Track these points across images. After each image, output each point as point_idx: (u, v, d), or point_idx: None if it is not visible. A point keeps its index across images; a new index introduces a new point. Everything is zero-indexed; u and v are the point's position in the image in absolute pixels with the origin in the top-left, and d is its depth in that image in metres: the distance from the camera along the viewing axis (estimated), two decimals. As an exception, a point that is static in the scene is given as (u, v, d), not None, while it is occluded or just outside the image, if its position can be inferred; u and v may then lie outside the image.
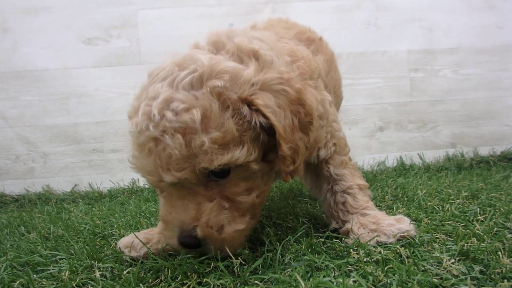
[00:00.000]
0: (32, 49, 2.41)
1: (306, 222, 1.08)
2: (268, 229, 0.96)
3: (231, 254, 0.77)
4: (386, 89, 2.51)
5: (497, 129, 2.52)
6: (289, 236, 0.91)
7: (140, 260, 0.86)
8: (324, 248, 0.86)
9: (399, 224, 0.89)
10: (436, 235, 0.87)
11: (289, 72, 0.83)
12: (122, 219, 1.46)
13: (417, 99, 2.51)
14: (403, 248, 0.79)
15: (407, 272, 0.66)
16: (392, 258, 0.74)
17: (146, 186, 2.36)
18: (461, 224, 0.93)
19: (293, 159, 0.78)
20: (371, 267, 0.71)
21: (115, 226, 1.32)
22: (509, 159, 2.31)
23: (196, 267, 0.76)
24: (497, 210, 1.06)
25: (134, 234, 0.95)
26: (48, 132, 2.41)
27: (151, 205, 1.83)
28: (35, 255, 1.00)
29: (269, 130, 0.77)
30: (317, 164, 1.03)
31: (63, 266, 0.89)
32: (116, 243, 1.00)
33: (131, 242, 0.92)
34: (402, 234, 0.86)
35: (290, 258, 0.79)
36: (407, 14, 2.53)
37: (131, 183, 2.41)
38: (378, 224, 0.91)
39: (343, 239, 0.92)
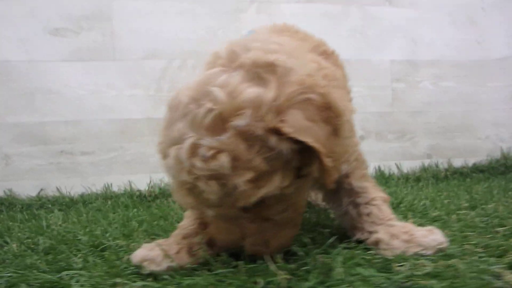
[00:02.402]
0: (-9, 38, 2.16)
1: (326, 232, 1.04)
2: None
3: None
4: (368, 98, 2.53)
5: (470, 141, 2.64)
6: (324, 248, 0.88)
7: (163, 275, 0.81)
8: (363, 261, 0.81)
9: (433, 235, 0.87)
10: (465, 247, 0.86)
11: (312, 76, 0.78)
12: (115, 229, 1.34)
13: (398, 110, 2.56)
14: (446, 259, 0.77)
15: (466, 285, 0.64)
16: (443, 270, 0.71)
17: (122, 191, 2.21)
18: (487, 236, 0.93)
19: (335, 167, 0.77)
20: (428, 281, 0.67)
21: (108, 235, 1.22)
22: (480, 170, 2.42)
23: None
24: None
25: (158, 243, 0.90)
26: (10, 131, 2.19)
27: (135, 212, 1.73)
28: (36, 271, 0.87)
29: (301, 150, 0.74)
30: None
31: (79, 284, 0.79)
32: (124, 256, 0.93)
33: (147, 255, 0.87)
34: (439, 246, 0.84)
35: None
36: (393, 25, 2.56)
37: (104, 188, 2.24)
38: (411, 235, 0.89)
39: (375, 250, 0.90)
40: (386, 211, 0.99)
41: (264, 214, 0.80)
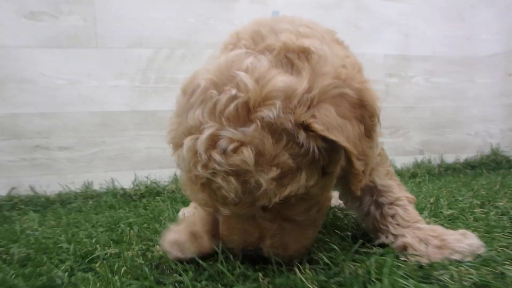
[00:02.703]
0: (-44, 20, 1.94)
1: (346, 235, 0.97)
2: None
3: None
4: (362, 92, 2.48)
5: (461, 137, 2.65)
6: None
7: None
8: (398, 269, 0.74)
9: (468, 240, 0.81)
10: (499, 250, 0.81)
11: (346, 67, 0.71)
12: (101, 233, 1.21)
13: (391, 105, 2.52)
14: (486, 265, 0.71)
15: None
16: (491, 280, 0.65)
17: (103, 190, 2.05)
18: None
19: (364, 171, 0.70)
20: None
21: (94, 241, 1.08)
22: (472, 166, 2.42)
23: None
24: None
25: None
26: (-22, 124, 1.97)
27: (121, 212, 1.59)
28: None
29: (330, 149, 0.67)
30: None
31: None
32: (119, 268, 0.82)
33: (175, 239, 0.86)
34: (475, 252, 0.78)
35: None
36: (386, 18, 2.52)
37: (84, 187, 2.07)
38: (443, 239, 0.82)
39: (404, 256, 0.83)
40: (412, 212, 0.92)
41: (286, 213, 0.74)
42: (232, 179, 0.61)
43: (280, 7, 2.31)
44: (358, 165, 0.67)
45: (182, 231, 0.88)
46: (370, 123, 0.70)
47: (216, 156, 0.60)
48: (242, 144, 0.60)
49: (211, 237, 0.86)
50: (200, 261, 0.78)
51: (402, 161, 2.48)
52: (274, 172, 0.62)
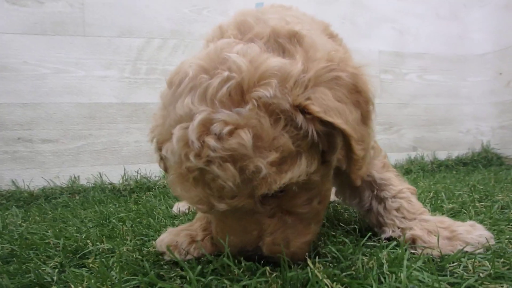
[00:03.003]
0: None
1: (352, 231, 0.93)
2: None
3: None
4: (356, 88, 2.47)
5: (453, 134, 2.67)
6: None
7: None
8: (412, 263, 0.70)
9: (477, 231, 0.79)
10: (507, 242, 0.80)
11: (338, 50, 0.70)
12: (91, 229, 1.14)
13: (385, 101, 2.52)
14: (499, 257, 0.70)
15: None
16: (506, 272, 0.64)
17: (91, 185, 1.97)
18: None
19: (363, 158, 0.67)
20: (497, 284, 0.60)
21: (84, 237, 1.02)
22: (464, 163, 2.44)
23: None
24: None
25: (183, 228, 0.85)
26: (-45, 114, 1.87)
27: (111, 207, 1.52)
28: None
29: (328, 133, 0.65)
30: None
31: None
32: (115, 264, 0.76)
33: (173, 241, 0.81)
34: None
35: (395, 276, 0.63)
36: (381, 14, 2.52)
37: (70, 181, 1.99)
38: (452, 231, 0.80)
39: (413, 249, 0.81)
40: (416, 204, 0.89)
41: (287, 206, 0.69)
42: (229, 165, 0.57)
43: (276, 1, 2.27)
44: (358, 149, 0.64)
45: (179, 233, 0.84)
46: (366, 109, 0.68)
47: (211, 141, 0.56)
48: (238, 126, 0.56)
49: (212, 240, 0.82)
50: (207, 254, 0.73)
51: (396, 157, 2.48)
52: (274, 156, 0.58)
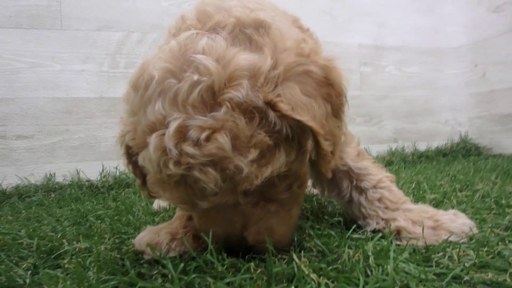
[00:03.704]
0: None
1: (337, 223, 0.93)
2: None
3: None
4: (337, 81, 2.48)
5: (432, 125, 2.72)
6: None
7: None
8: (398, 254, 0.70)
9: (461, 220, 0.81)
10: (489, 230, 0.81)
11: (307, 42, 0.69)
12: (67, 227, 1.10)
13: (366, 93, 2.54)
14: (482, 246, 0.71)
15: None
16: (490, 260, 0.65)
17: (67, 182, 1.91)
18: (506, 218, 0.88)
19: (333, 152, 0.67)
20: (482, 273, 0.60)
21: (59, 236, 0.98)
22: (444, 154, 2.49)
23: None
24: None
25: (162, 226, 0.83)
26: None
27: (89, 205, 1.48)
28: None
29: (299, 126, 0.64)
30: None
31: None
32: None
33: (153, 239, 0.79)
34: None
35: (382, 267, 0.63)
36: (360, 8, 2.54)
37: (46, 179, 1.92)
38: (436, 220, 0.81)
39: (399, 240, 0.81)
40: (397, 192, 0.90)
41: (268, 194, 0.69)
42: (209, 169, 0.57)
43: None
44: (325, 145, 0.64)
45: (158, 232, 0.82)
46: (337, 102, 0.68)
47: (189, 149, 0.56)
48: (214, 130, 0.56)
49: (193, 238, 0.81)
50: (191, 250, 0.72)
51: (377, 149, 2.51)
52: (253, 154, 0.58)
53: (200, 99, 0.57)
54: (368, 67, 2.55)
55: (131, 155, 0.70)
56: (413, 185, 1.38)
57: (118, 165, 2.02)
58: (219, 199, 0.62)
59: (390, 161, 2.30)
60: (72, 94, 1.98)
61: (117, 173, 2.00)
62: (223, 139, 0.56)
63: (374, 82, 2.57)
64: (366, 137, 2.53)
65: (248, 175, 0.59)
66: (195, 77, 0.57)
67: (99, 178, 1.96)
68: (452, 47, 2.76)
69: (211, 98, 0.57)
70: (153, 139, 0.58)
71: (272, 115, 0.60)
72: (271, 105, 0.60)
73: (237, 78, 0.58)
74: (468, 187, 1.32)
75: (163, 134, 0.57)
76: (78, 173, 1.97)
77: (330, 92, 0.66)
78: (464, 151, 2.50)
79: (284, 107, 0.59)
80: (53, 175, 1.94)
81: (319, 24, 2.42)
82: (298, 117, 0.60)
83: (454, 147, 2.54)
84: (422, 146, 2.61)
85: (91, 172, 1.98)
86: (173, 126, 0.56)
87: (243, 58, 0.60)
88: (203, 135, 0.55)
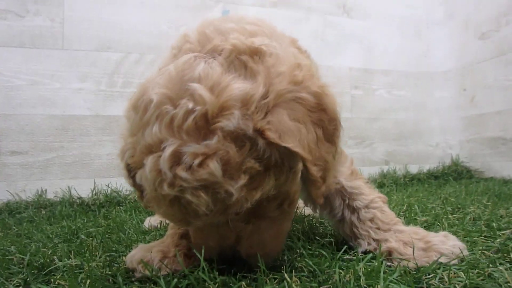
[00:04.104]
0: None
1: (328, 244, 0.93)
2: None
3: None
4: (330, 103, 2.53)
5: (423, 148, 2.77)
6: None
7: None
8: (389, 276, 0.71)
9: (451, 241, 0.81)
10: (479, 253, 0.82)
11: (301, 67, 0.69)
12: (57, 244, 1.10)
13: (357, 116, 2.59)
14: (473, 268, 0.72)
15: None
16: (480, 282, 0.66)
17: (58, 199, 1.90)
18: (496, 240, 0.89)
19: (324, 178, 0.68)
20: None
21: (50, 253, 0.97)
22: (435, 177, 2.51)
23: None
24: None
25: (154, 244, 0.85)
26: None
27: (79, 222, 1.47)
28: None
29: (288, 152, 0.65)
30: None
31: None
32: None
33: (145, 257, 0.80)
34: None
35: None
36: (351, 33, 2.63)
37: (37, 195, 1.90)
38: (427, 241, 0.82)
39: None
40: (389, 213, 0.91)
41: (259, 213, 0.72)
42: (201, 193, 0.59)
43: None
44: (314, 170, 0.65)
45: (150, 250, 0.83)
46: (330, 128, 0.68)
47: (182, 173, 0.58)
48: (207, 157, 0.59)
49: (185, 256, 0.82)
50: (183, 267, 0.73)
51: (369, 171, 2.53)
52: (243, 179, 0.61)
53: (194, 126, 0.59)
54: (359, 90, 2.62)
55: (130, 170, 0.71)
56: (405, 207, 1.39)
57: (109, 182, 2.02)
58: (211, 219, 0.64)
59: (382, 183, 2.32)
60: (69, 111, 2.00)
61: (109, 191, 1.99)
62: (214, 166, 0.58)
63: (365, 104, 2.62)
64: (357, 159, 2.56)
65: (238, 199, 0.61)
66: (190, 105, 0.60)
67: (90, 195, 1.95)
68: (440, 71, 2.83)
69: (204, 126, 0.60)
70: (149, 161, 0.61)
71: (261, 142, 0.62)
72: (260, 132, 0.62)
73: (229, 107, 0.60)
74: (460, 210, 1.33)
75: (159, 157, 0.59)
76: (69, 190, 1.96)
77: (322, 118, 0.67)
78: (456, 174, 2.52)
79: (271, 135, 0.61)
80: (44, 192, 1.93)
81: (311, 48, 2.45)
82: (284, 144, 0.61)
83: (446, 170, 2.56)
84: (413, 169, 2.64)
85: (83, 190, 1.97)
86: (168, 150, 0.59)
87: (237, 87, 0.62)
88: (196, 161, 0.58)
